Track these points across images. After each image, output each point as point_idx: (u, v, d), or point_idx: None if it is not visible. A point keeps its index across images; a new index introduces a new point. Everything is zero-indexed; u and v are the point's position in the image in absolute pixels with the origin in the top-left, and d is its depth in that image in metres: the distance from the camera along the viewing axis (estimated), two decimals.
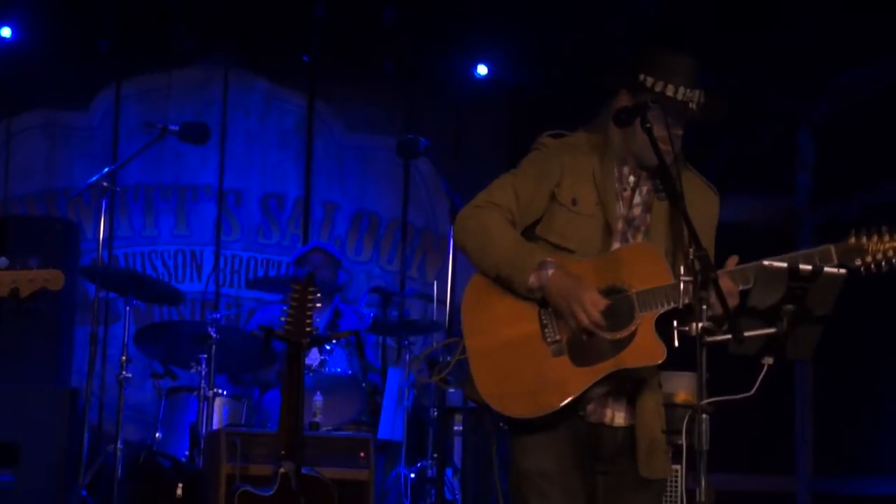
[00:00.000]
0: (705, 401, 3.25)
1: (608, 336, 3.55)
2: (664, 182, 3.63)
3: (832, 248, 3.52)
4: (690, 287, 3.45)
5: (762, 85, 8.43)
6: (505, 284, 3.67)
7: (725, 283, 3.41)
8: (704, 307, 3.26)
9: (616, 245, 3.71)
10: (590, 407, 3.67)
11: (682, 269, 3.58)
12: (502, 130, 8.37)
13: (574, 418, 3.65)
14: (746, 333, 3.41)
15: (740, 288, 3.50)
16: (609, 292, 3.58)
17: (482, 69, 8.61)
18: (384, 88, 8.70)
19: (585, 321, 3.52)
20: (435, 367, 4.82)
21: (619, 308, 3.56)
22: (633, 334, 3.55)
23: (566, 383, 3.57)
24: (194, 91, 8.56)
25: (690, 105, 3.67)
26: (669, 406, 4.45)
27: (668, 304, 3.54)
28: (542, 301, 3.64)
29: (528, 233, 3.78)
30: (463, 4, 7.89)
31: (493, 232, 3.70)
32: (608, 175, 3.76)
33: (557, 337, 3.61)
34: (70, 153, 8.37)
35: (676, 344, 3.34)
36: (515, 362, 3.65)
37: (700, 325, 3.24)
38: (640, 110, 3.61)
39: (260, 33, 8.32)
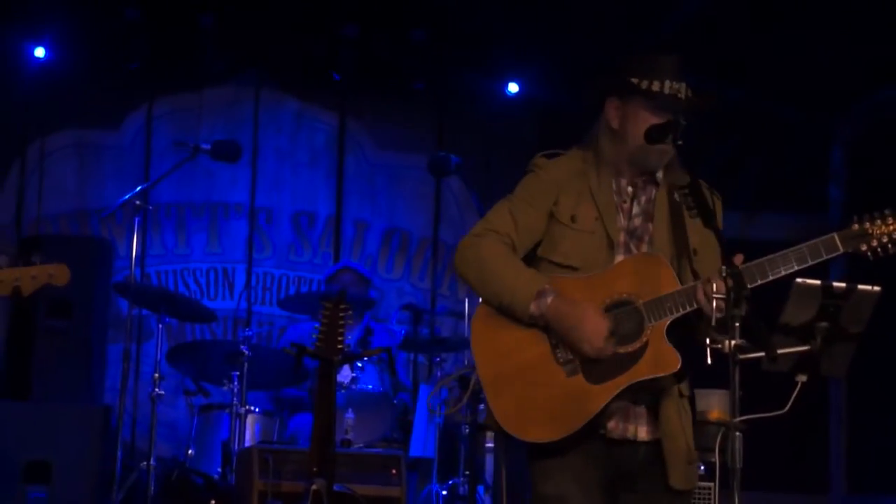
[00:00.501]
0: (738, 419, 3.24)
1: (620, 350, 3.54)
2: (695, 199, 3.62)
3: (836, 236, 3.49)
4: (695, 291, 3.48)
5: (794, 104, 8.41)
6: (507, 313, 3.66)
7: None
8: (737, 324, 3.25)
9: (619, 258, 3.69)
10: (611, 424, 3.64)
11: (689, 275, 3.60)
12: (533, 147, 8.28)
13: (594, 437, 3.62)
14: (780, 351, 3.40)
15: (758, 283, 3.49)
16: (616, 305, 3.57)
17: (513, 87, 8.62)
18: (415, 106, 8.71)
19: (590, 353, 3.53)
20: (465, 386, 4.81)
21: (628, 320, 3.55)
22: (645, 345, 3.55)
23: (584, 402, 3.55)
24: (225, 110, 8.59)
25: (679, 96, 3.65)
26: (702, 423, 4.45)
27: (677, 310, 3.53)
28: (548, 328, 3.63)
29: (531, 255, 3.78)
30: (493, 24, 7.90)
31: (491, 261, 3.69)
32: (606, 188, 3.75)
33: (570, 356, 3.59)
34: (102, 172, 8.40)
35: (709, 361, 3.32)
36: (530, 387, 3.62)
37: (733, 342, 3.23)
38: (671, 128, 3.62)
39: (290, 52, 8.35)
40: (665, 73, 3.66)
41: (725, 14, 7.40)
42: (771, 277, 3.49)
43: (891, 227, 3.46)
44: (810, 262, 3.47)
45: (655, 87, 3.65)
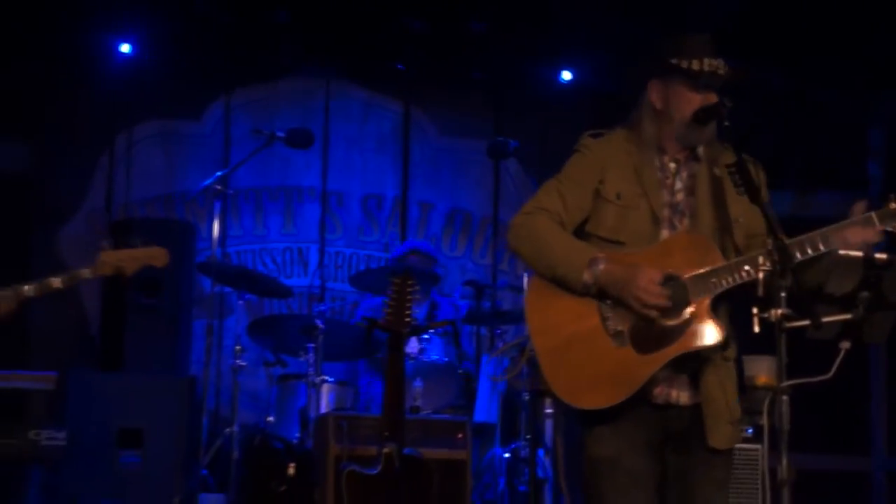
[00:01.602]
0: (785, 383, 3.23)
1: (667, 322, 3.53)
2: (742, 176, 3.59)
3: (874, 214, 3.47)
4: (740, 266, 3.47)
5: (835, 87, 8.33)
6: (561, 284, 3.65)
7: (865, 233, 3.40)
8: (783, 294, 3.24)
9: (665, 232, 3.68)
10: (656, 390, 3.64)
11: (731, 248, 3.58)
12: (585, 131, 8.31)
13: (642, 403, 3.62)
14: (824, 319, 3.38)
15: (809, 255, 3.47)
16: (663, 281, 3.54)
17: (566, 75, 8.60)
18: (474, 94, 8.69)
19: (646, 302, 3.51)
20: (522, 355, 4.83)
21: (675, 295, 3.53)
22: (690, 319, 3.54)
23: (632, 372, 3.55)
24: (298, 100, 8.61)
25: (718, 71, 3.64)
26: (751, 388, 4.43)
27: (720, 286, 3.51)
28: (600, 295, 3.62)
29: (579, 231, 3.77)
30: (547, 14, 7.87)
31: (544, 236, 3.69)
32: (649, 165, 3.74)
33: (619, 328, 3.58)
34: (185, 159, 8.45)
35: (756, 329, 3.31)
36: (582, 357, 3.62)
37: (779, 311, 3.22)
38: (718, 109, 3.61)
39: (358, 45, 8.35)
40: (702, 52, 3.66)
41: (768, 4, 7.33)
42: (811, 254, 3.48)
43: None
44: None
45: (695, 65, 3.64)
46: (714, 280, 3.51)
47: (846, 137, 8.62)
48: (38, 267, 7.89)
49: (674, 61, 3.65)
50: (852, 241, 3.47)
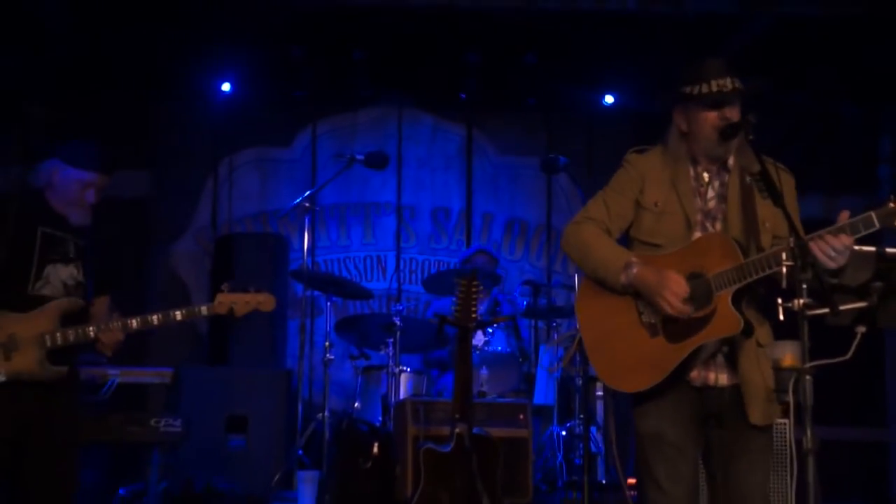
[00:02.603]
0: (808, 364, 3.20)
1: (693, 315, 3.52)
2: (766, 183, 3.56)
3: (873, 214, 3.39)
4: (760, 262, 3.45)
5: (848, 101, 8.24)
6: (603, 284, 3.69)
7: (841, 239, 3.34)
8: (804, 286, 3.21)
9: (697, 234, 3.67)
10: (693, 374, 3.63)
11: (755, 248, 3.56)
12: (627, 147, 8.27)
13: (682, 385, 3.62)
14: (842, 307, 3.33)
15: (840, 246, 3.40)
16: (691, 277, 3.55)
17: (609, 98, 8.56)
18: (528, 118, 8.67)
19: (670, 311, 3.51)
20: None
21: (700, 290, 3.53)
22: (714, 311, 3.52)
23: (665, 358, 3.56)
24: (375, 127, 8.64)
25: (724, 89, 3.60)
26: (777, 369, 4.36)
27: (739, 281, 3.49)
28: (636, 293, 3.63)
29: (625, 236, 3.80)
30: (591, 46, 7.83)
31: (589, 242, 3.72)
32: (684, 177, 3.73)
33: (652, 321, 3.60)
34: (278, 181, 8.51)
35: (781, 318, 3.27)
36: (621, 346, 3.65)
37: (802, 301, 3.19)
38: (742, 126, 3.59)
39: (425, 77, 8.37)
40: (711, 74, 3.64)
41: (786, 31, 7.24)
42: None
43: None
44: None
45: (704, 89, 3.63)
46: (734, 276, 3.50)
47: (860, 146, 8.51)
48: (155, 277, 8.01)
49: (686, 90, 3.65)
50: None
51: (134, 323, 4.39)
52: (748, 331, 3.55)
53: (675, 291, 3.51)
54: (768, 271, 3.45)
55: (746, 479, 3.64)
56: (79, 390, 4.65)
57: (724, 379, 3.65)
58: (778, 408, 3.71)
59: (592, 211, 3.79)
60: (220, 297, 4.49)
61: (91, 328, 4.35)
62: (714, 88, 3.63)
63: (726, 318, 3.51)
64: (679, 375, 3.57)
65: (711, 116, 3.65)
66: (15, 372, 4.26)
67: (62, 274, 4.37)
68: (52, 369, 4.24)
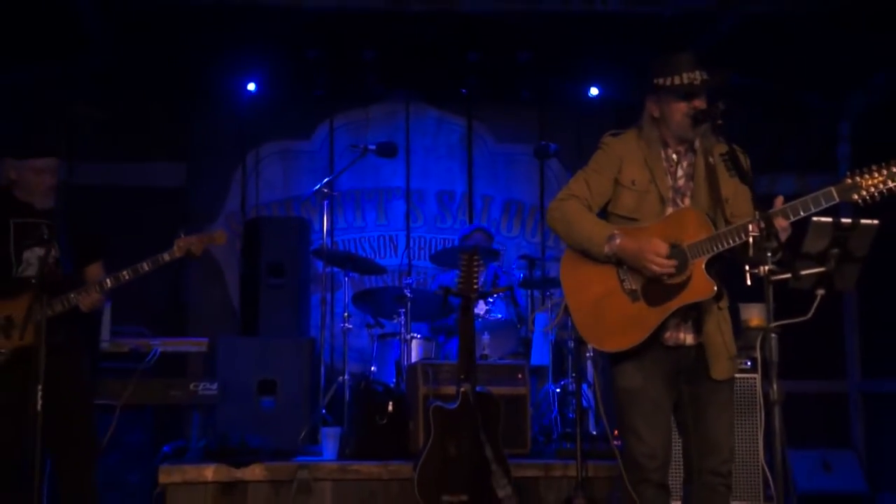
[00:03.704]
0: (773, 324, 3.20)
1: (671, 281, 3.53)
2: (733, 162, 3.57)
3: (833, 189, 3.42)
4: (730, 233, 3.45)
5: (813, 90, 8.21)
6: (587, 255, 3.68)
7: (779, 221, 3.36)
8: (769, 254, 3.21)
9: (669, 210, 3.68)
10: (667, 334, 3.65)
11: (722, 221, 3.56)
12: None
13: (656, 345, 3.63)
14: (802, 272, 3.36)
15: (791, 220, 3.43)
16: (669, 249, 3.55)
17: (594, 91, 8.52)
18: (523, 110, 8.62)
19: (656, 268, 3.51)
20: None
21: (677, 258, 3.54)
22: (689, 277, 3.53)
23: (645, 321, 3.57)
24: (385, 120, 8.61)
25: (694, 82, 3.61)
26: (746, 329, 4.37)
27: (712, 250, 3.51)
28: (618, 262, 3.62)
29: (603, 211, 3.79)
30: (578, 45, 7.80)
31: (573, 218, 3.72)
32: (656, 157, 3.74)
33: (633, 287, 3.61)
34: (299, 170, 8.47)
35: (749, 282, 3.28)
36: (604, 310, 3.65)
37: (766, 267, 3.20)
38: (711, 111, 3.60)
39: (430, 75, 8.33)
40: (681, 67, 3.65)
41: (755, 25, 7.20)
42: (793, 219, 3.45)
43: (876, 180, 3.38)
44: (814, 210, 3.42)
45: (676, 80, 3.64)
46: (708, 246, 3.52)
47: (823, 129, 8.49)
48: (192, 261, 8.01)
49: (658, 81, 3.65)
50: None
51: (108, 282, 4.42)
52: (719, 295, 3.56)
53: (657, 251, 3.52)
54: (738, 241, 3.46)
55: (715, 426, 3.66)
56: (84, 355, 4.64)
57: (690, 339, 3.67)
58: (736, 364, 3.74)
59: (575, 189, 3.79)
60: (178, 243, 4.53)
61: (72, 295, 4.38)
62: (685, 81, 3.63)
63: (701, 283, 3.52)
64: (655, 337, 3.59)
65: (682, 106, 3.66)
66: (16, 347, 4.28)
67: (40, 254, 4.38)
68: (52, 339, 4.16)
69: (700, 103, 3.64)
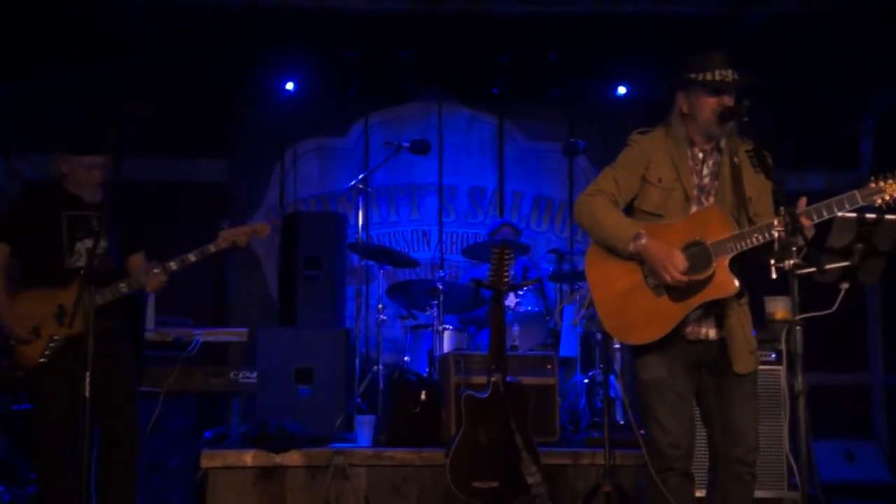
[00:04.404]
0: (798, 317, 3.18)
1: (694, 278, 3.50)
2: (758, 160, 3.54)
3: (857, 192, 3.41)
4: (755, 232, 3.42)
5: (835, 88, 8.13)
6: (612, 251, 3.65)
7: (803, 221, 3.33)
8: (794, 249, 3.19)
9: (693, 208, 3.66)
10: (688, 329, 3.62)
11: (745, 220, 3.54)
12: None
13: (678, 339, 3.61)
14: (827, 266, 3.33)
15: (815, 222, 3.41)
16: (691, 245, 3.54)
17: (622, 90, 8.48)
18: (552, 108, 8.59)
19: (671, 282, 3.49)
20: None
21: (701, 256, 3.52)
22: (712, 275, 3.50)
23: (667, 316, 3.55)
24: (419, 118, 8.60)
25: (727, 79, 3.59)
26: (771, 322, 4.33)
27: (736, 249, 3.48)
28: (642, 260, 3.60)
29: (629, 207, 3.76)
30: (606, 44, 7.77)
31: (600, 213, 3.68)
32: (682, 156, 3.70)
33: (657, 282, 3.58)
34: (335, 167, 8.50)
35: (774, 276, 3.26)
36: (628, 304, 3.62)
37: (792, 262, 3.17)
38: (738, 109, 3.57)
39: (462, 75, 8.33)
40: (714, 65, 3.63)
41: (781, 25, 7.14)
42: (817, 220, 3.43)
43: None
44: (837, 213, 3.42)
45: (709, 77, 3.61)
46: (731, 244, 3.50)
47: (846, 130, 8.40)
48: (232, 253, 8.05)
49: (692, 75, 3.63)
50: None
51: (173, 265, 4.48)
52: (741, 293, 3.55)
53: (675, 265, 3.50)
54: (763, 240, 3.44)
55: (740, 416, 3.64)
56: (128, 342, 4.70)
57: (713, 333, 3.65)
58: (758, 358, 3.71)
59: (603, 184, 3.76)
60: (222, 234, 4.56)
61: (122, 284, 4.44)
62: (717, 77, 3.61)
63: (724, 281, 3.50)
64: (677, 331, 3.56)
65: (712, 101, 3.64)
66: (68, 335, 4.34)
67: (89, 247, 4.45)
68: (99, 326, 4.20)
69: (729, 100, 3.63)
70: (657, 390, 3.63)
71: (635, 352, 3.68)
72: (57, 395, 4.36)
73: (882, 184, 3.39)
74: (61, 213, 4.53)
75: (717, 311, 3.63)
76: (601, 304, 3.68)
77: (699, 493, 3.81)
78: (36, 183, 7.91)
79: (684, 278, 3.49)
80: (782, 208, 3.27)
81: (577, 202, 3.80)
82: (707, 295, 3.52)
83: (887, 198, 3.37)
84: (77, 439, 3.98)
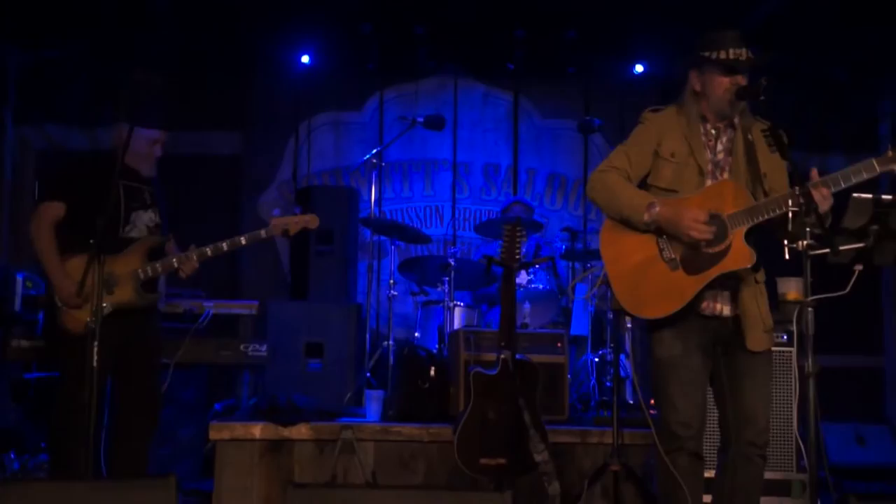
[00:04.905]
0: (810, 298, 3.14)
1: (710, 250, 3.46)
2: (774, 138, 3.49)
3: (874, 161, 3.37)
4: (770, 204, 3.38)
5: (854, 70, 8.04)
6: (627, 224, 3.61)
7: (821, 190, 3.29)
8: (808, 228, 3.14)
9: (708, 182, 3.62)
10: (703, 304, 3.59)
11: (761, 195, 3.50)
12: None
13: (693, 315, 3.57)
14: (841, 248, 3.30)
15: (832, 190, 3.36)
16: (708, 218, 3.49)
17: (639, 68, 8.41)
18: (568, 85, 8.53)
19: (695, 234, 3.46)
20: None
21: (717, 228, 3.47)
22: (729, 246, 3.46)
23: (683, 289, 3.51)
24: (434, 94, 8.56)
25: (740, 59, 3.54)
26: (783, 303, 4.28)
27: (752, 221, 3.44)
28: (658, 231, 3.56)
29: (642, 184, 3.72)
30: (623, 22, 7.70)
31: (614, 188, 3.64)
32: (695, 132, 3.67)
33: (673, 256, 3.54)
34: (350, 141, 8.48)
35: (787, 257, 3.21)
36: (643, 278, 3.58)
37: (805, 242, 3.13)
38: (754, 88, 3.52)
39: (478, 50, 8.28)
40: (728, 43, 3.58)
41: (798, 4, 7.04)
42: (834, 189, 3.38)
43: None
44: (854, 181, 3.35)
45: (722, 55, 3.57)
46: (747, 216, 3.45)
47: (863, 112, 8.32)
48: (246, 224, 8.05)
49: (705, 54, 3.58)
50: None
51: (209, 251, 4.52)
52: (757, 266, 3.51)
53: (695, 217, 3.47)
54: (778, 212, 3.40)
55: (752, 398, 3.60)
56: (160, 316, 4.84)
57: (727, 310, 3.61)
58: (773, 337, 3.68)
59: (615, 161, 3.74)
60: (273, 221, 4.65)
61: (174, 259, 4.51)
62: (731, 56, 3.57)
63: (740, 252, 3.47)
64: (692, 306, 3.53)
65: (725, 81, 3.59)
66: (118, 303, 4.40)
67: (144, 218, 4.56)
68: (147, 296, 4.41)
69: (742, 80, 3.58)
70: (671, 368, 3.60)
71: (650, 328, 3.64)
72: (101, 362, 4.39)
73: None
74: (119, 183, 4.54)
75: (732, 286, 3.58)
76: (616, 279, 3.64)
77: (708, 474, 3.78)
78: (44, 153, 7.93)
79: (709, 228, 3.46)
80: (796, 187, 3.23)
81: (590, 178, 3.77)
82: (724, 266, 3.48)
83: None
84: (89, 408, 3.99)
